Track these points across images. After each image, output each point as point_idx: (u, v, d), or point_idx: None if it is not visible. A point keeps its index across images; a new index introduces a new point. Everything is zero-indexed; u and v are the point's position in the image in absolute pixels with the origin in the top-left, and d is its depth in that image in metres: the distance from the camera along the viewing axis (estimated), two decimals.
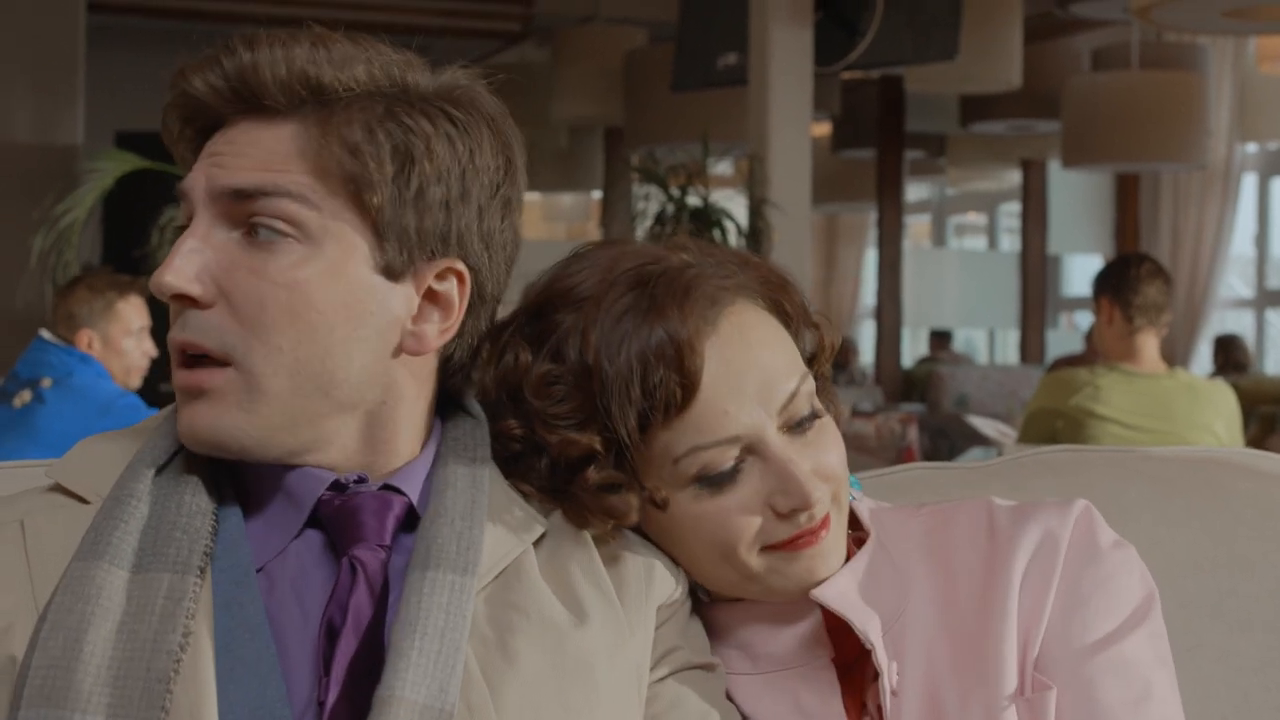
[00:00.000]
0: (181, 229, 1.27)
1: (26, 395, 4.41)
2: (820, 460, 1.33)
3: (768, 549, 1.32)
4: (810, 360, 1.39)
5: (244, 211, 1.23)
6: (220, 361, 1.23)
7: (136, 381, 4.70)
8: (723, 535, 1.32)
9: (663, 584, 1.34)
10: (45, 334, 4.57)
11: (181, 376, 1.25)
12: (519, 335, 1.33)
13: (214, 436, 1.23)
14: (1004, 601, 1.34)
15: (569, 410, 1.30)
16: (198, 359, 1.24)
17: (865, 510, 1.43)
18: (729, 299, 1.33)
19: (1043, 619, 1.34)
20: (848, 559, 1.40)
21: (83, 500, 1.28)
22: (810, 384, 1.34)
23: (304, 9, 8.49)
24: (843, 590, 1.36)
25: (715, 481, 1.31)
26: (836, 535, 1.35)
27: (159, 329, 4.72)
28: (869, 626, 1.34)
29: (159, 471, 1.28)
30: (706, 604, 1.42)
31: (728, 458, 1.30)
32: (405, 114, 1.25)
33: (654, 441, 1.30)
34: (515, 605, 1.26)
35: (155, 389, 6.32)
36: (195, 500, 1.25)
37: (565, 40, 8.57)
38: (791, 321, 1.38)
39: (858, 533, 1.43)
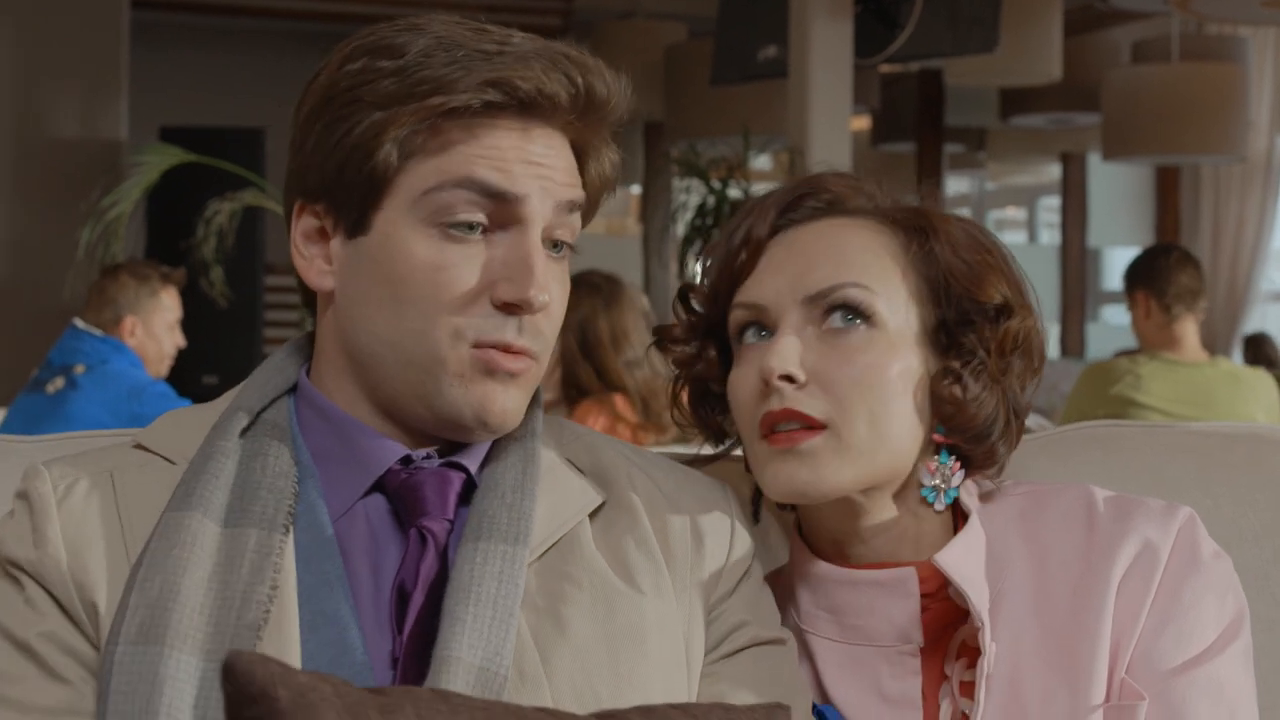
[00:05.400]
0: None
1: (60, 382, 4.45)
2: (824, 366, 1.36)
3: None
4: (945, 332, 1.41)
5: None
6: None
7: (165, 371, 4.74)
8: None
9: (714, 554, 1.36)
10: (79, 322, 4.61)
11: None
12: None
13: None
14: (1100, 603, 1.34)
15: None
16: None
17: (971, 488, 1.44)
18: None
19: (1137, 627, 1.34)
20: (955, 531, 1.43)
21: (169, 460, 1.33)
22: (865, 294, 1.37)
23: (347, 4, 8.53)
24: (959, 562, 1.36)
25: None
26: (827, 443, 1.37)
27: (184, 322, 4.77)
28: (982, 604, 1.35)
29: (243, 434, 1.34)
30: (808, 559, 1.44)
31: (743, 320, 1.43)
32: None
33: None
34: (568, 576, 1.29)
35: (196, 380, 6.38)
36: (278, 463, 1.30)
37: (605, 35, 8.57)
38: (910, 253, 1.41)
39: (961, 508, 1.44)
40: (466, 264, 1.28)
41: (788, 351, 1.35)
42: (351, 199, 1.30)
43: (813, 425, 1.35)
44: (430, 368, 1.29)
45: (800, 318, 1.38)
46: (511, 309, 1.28)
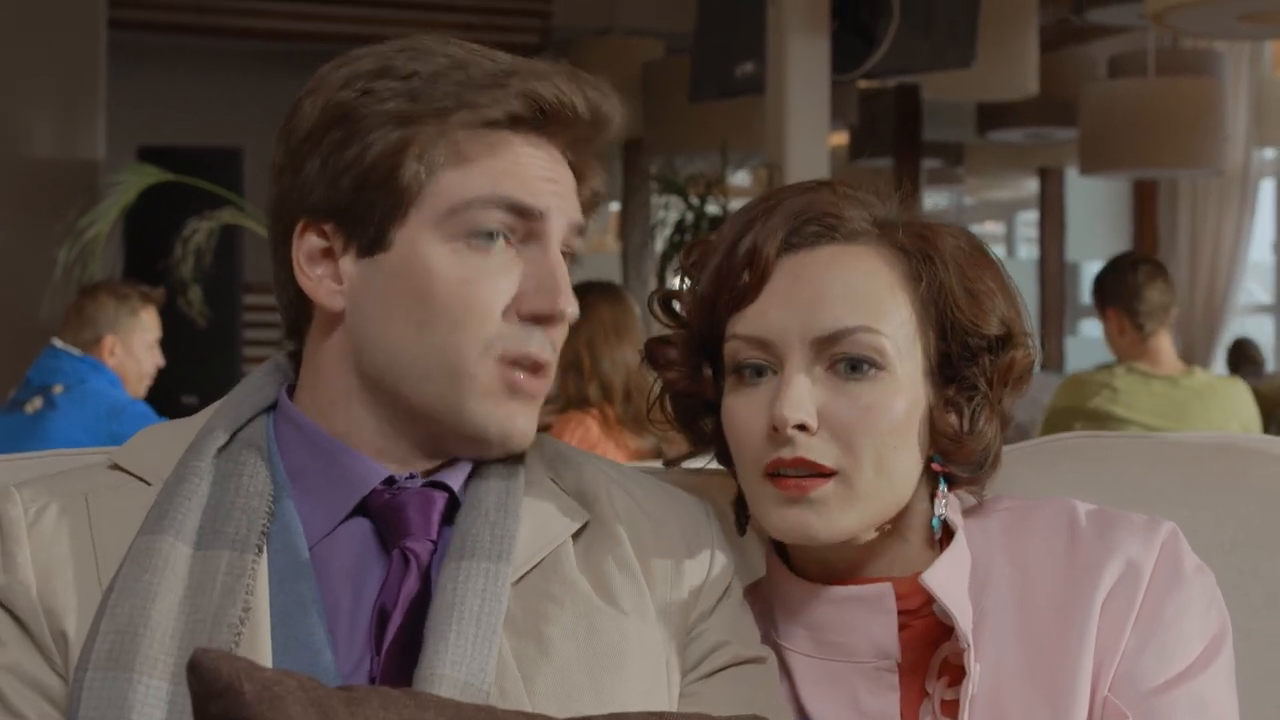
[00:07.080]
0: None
1: (38, 402, 4.44)
2: (840, 407, 1.33)
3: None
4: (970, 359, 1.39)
5: None
6: None
7: (143, 390, 4.74)
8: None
9: (694, 573, 1.36)
10: (58, 342, 4.60)
11: None
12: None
13: None
14: (1083, 623, 1.34)
15: None
16: None
17: (955, 503, 1.43)
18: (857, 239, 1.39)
19: (1120, 646, 1.33)
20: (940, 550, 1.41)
21: (144, 481, 1.32)
22: (876, 339, 1.34)
23: (324, 24, 8.53)
24: (945, 581, 1.35)
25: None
26: (837, 492, 1.34)
27: (163, 342, 4.76)
28: (967, 625, 1.34)
29: (218, 453, 1.33)
30: (785, 576, 1.43)
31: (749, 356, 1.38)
32: None
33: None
34: (550, 595, 1.29)
35: (174, 399, 6.37)
36: (253, 482, 1.30)
37: (582, 52, 8.56)
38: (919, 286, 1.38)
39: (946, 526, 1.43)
40: (492, 277, 1.29)
41: (803, 399, 1.33)
42: (369, 216, 1.30)
43: (823, 473, 1.34)
44: (455, 382, 1.29)
45: (808, 358, 1.35)
46: (540, 320, 1.30)
